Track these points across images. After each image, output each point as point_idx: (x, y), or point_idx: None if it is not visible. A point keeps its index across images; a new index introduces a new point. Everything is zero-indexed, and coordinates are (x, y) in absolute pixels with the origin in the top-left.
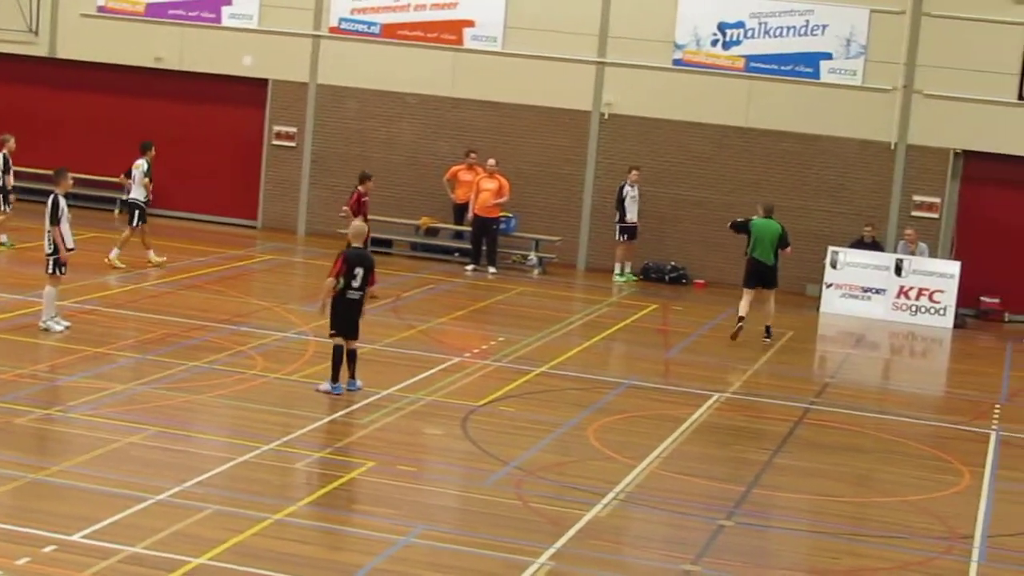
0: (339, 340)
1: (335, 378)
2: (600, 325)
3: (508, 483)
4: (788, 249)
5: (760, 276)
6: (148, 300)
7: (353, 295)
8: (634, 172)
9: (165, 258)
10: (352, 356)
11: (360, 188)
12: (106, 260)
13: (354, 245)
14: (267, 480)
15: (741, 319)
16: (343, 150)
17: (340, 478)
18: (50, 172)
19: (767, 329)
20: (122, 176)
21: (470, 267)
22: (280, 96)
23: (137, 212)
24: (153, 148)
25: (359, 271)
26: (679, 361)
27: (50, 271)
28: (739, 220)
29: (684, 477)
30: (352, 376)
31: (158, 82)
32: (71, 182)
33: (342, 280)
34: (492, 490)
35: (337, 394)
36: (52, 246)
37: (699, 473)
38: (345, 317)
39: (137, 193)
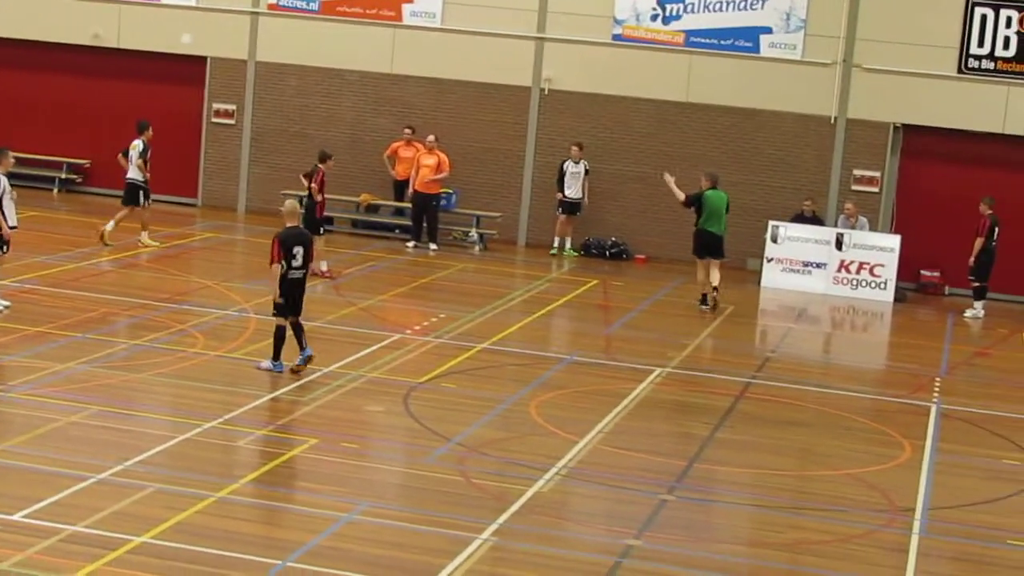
0: (281, 320)
1: (276, 356)
2: (541, 301)
3: (451, 459)
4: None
5: (710, 247)
6: (88, 279)
7: (296, 275)
8: (574, 148)
9: (158, 244)
10: (298, 327)
11: (322, 167)
12: (139, 243)
13: (288, 225)
14: (209, 458)
15: (708, 291)
16: (283, 127)
17: (282, 455)
18: None
19: (703, 297)
20: (119, 156)
21: (411, 244)
22: (219, 74)
23: (140, 192)
24: (150, 128)
25: (298, 250)
26: (620, 336)
27: None
28: (692, 195)
29: (626, 452)
30: (303, 346)
31: (96, 60)
32: (12, 161)
33: (284, 263)
34: (435, 466)
35: (279, 372)
36: None
37: (641, 448)
38: (290, 297)
39: (134, 174)
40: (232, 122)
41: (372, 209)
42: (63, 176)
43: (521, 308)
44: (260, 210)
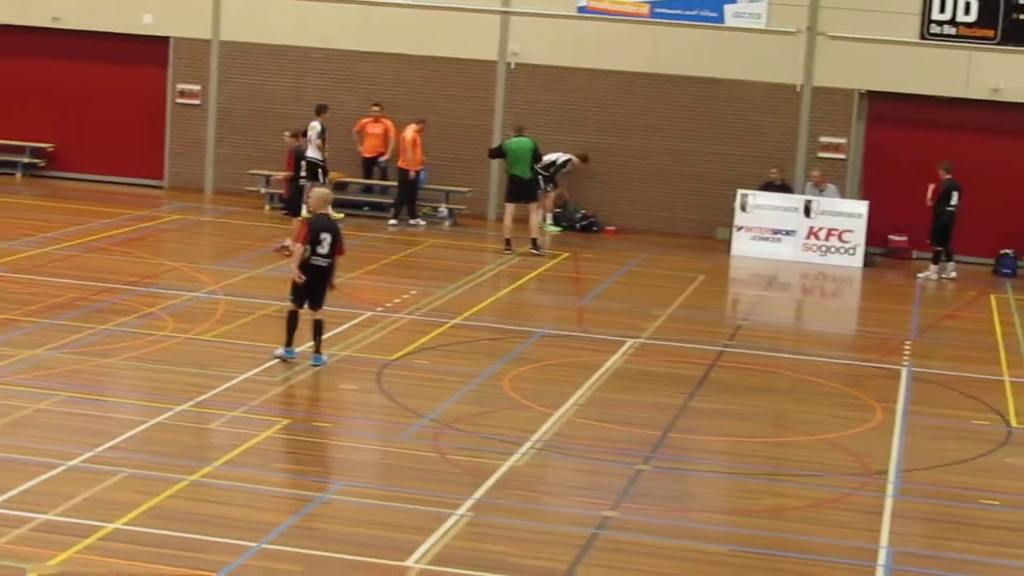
0: (294, 306)
1: (289, 342)
2: (512, 275)
3: (425, 436)
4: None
5: (519, 191)
6: (55, 264)
7: (319, 262)
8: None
9: (342, 215)
10: (318, 328)
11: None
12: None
13: (319, 212)
14: (181, 441)
15: (508, 240)
16: (249, 107)
17: (255, 437)
18: None
19: (533, 242)
20: (299, 136)
21: (415, 221)
22: (183, 54)
23: (319, 170)
24: (327, 111)
25: (325, 237)
26: (592, 308)
27: None
28: (492, 147)
29: (600, 424)
30: (318, 350)
31: (57, 42)
32: None
33: (308, 248)
34: (409, 443)
35: (291, 358)
36: None
37: (615, 419)
38: (308, 285)
39: (313, 153)
40: (197, 102)
41: (340, 187)
42: (26, 160)
43: (492, 283)
44: (227, 191)
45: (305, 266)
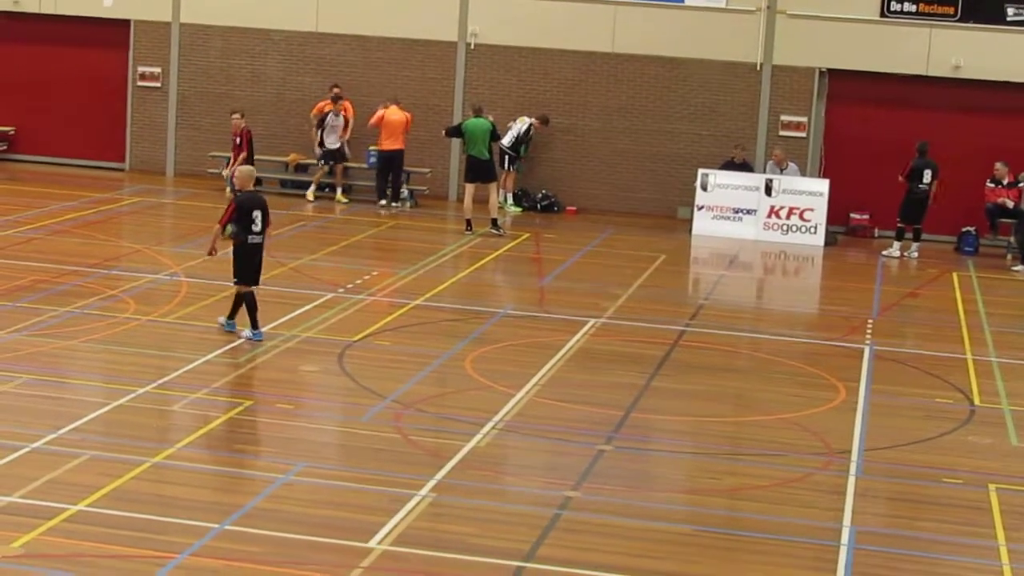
0: (244, 287)
1: (254, 324)
2: (473, 256)
3: (387, 417)
4: (498, 142)
5: (478, 172)
6: (16, 247)
7: (255, 240)
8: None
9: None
10: (252, 303)
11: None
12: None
13: (246, 189)
14: (144, 424)
15: (468, 221)
16: (209, 89)
17: (217, 419)
18: None
19: (494, 222)
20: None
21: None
22: (143, 37)
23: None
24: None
25: (257, 214)
26: (553, 288)
27: None
28: (450, 126)
29: (562, 404)
30: (233, 317)
31: (17, 26)
32: None
33: (231, 227)
34: (371, 424)
35: (258, 340)
36: None
37: (577, 399)
38: (249, 264)
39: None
40: (158, 85)
41: (300, 168)
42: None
43: (453, 263)
44: (189, 173)
45: (243, 246)
